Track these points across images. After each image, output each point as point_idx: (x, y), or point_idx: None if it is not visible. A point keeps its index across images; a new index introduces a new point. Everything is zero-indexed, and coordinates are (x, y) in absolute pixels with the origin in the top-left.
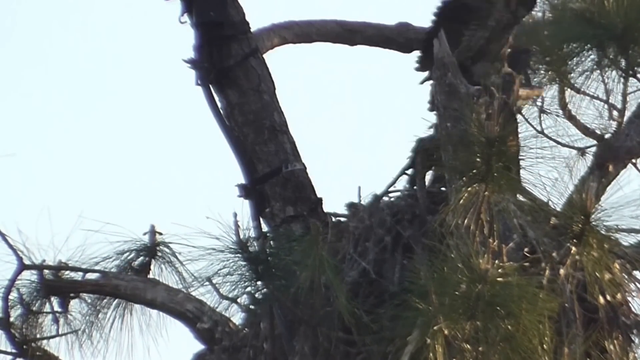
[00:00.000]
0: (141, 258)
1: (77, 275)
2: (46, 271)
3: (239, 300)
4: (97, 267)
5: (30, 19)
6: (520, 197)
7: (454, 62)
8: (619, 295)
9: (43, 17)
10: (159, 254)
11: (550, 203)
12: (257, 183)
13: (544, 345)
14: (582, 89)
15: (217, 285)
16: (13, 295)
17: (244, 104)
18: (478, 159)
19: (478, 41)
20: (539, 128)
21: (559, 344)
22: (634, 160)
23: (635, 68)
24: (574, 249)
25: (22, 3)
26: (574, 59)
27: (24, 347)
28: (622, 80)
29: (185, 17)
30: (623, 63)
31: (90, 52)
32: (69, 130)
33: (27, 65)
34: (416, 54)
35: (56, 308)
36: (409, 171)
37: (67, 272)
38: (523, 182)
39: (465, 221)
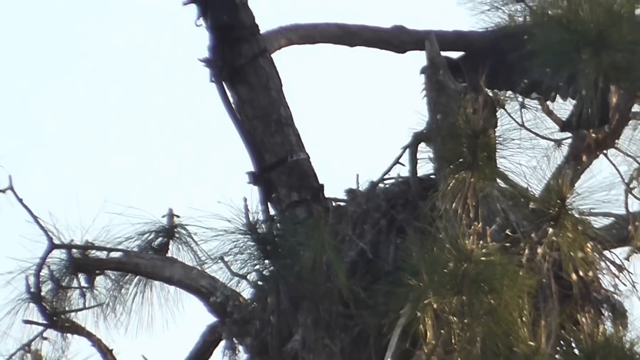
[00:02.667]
0: (160, 239)
1: (102, 254)
2: (74, 250)
3: (248, 277)
4: (120, 247)
5: (62, 14)
6: (502, 184)
7: (444, 62)
8: (590, 273)
9: (81, 15)
10: (176, 235)
11: (529, 189)
12: (265, 171)
13: (523, 318)
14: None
15: (228, 263)
16: (44, 272)
17: (254, 99)
18: (465, 149)
19: None
20: (520, 121)
21: (537, 317)
22: (604, 151)
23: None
24: (550, 230)
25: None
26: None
27: (54, 318)
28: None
29: (201, 21)
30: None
31: (117, 50)
32: (97, 123)
33: (54, 60)
34: (411, 54)
35: (83, 284)
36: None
37: (93, 251)
38: (505, 170)
39: (453, 206)
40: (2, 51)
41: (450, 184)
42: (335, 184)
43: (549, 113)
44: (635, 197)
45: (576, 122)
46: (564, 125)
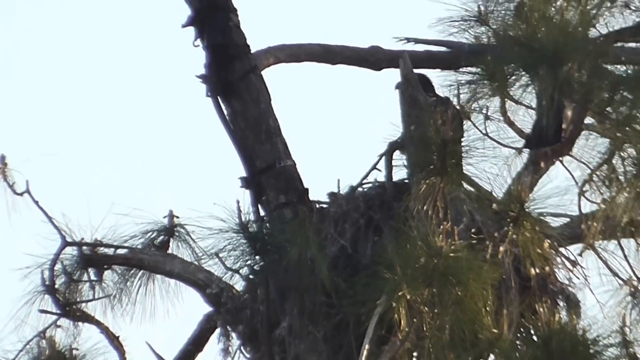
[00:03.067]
0: (161, 237)
1: (110, 251)
2: (85, 247)
3: (240, 271)
4: (126, 244)
5: (78, 32)
6: (468, 188)
7: (416, 78)
8: (547, 267)
9: (93, 34)
10: (176, 233)
11: (493, 193)
12: (256, 176)
13: (487, 308)
14: (519, 100)
15: (223, 259)
16: (58, 266)
17: (245, 111)
18: (435, 157)
19: None
20: (484, 131)
21: (499, 307)
22: (560, 158)
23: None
24: (511, 230)
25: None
26: (513, 76)
27: (67, 308)
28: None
29: (198, 42)
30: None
31: (123, 67)
32: (106, 134)
33: (61, 68)
34: (386, 71)
35: (93, 277)
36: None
37: (102, 248)
38: (471, 175)
39: (424, 207)
40: (11, 59)
41: (422, 188)
42: (319, 187)
43: (511, 124)
44: (588, 199)
45: (535, 140)
46: (526, 144)
